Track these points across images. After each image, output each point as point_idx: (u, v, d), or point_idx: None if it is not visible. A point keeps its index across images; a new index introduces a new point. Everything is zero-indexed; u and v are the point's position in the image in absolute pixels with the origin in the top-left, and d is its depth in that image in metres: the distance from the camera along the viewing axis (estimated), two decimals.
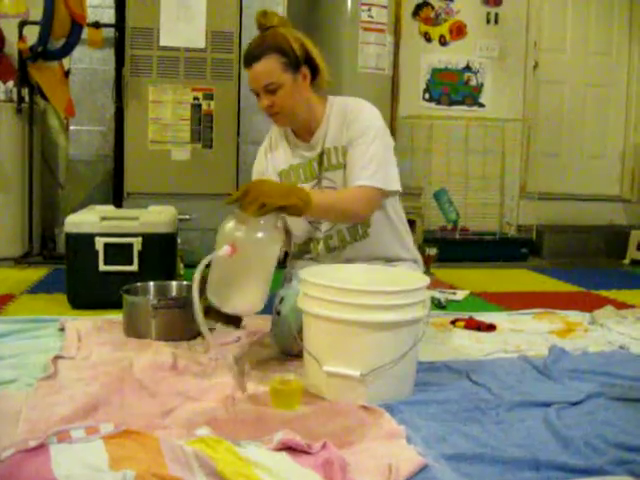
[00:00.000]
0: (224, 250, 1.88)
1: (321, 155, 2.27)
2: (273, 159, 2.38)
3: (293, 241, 2.42)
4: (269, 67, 2.13)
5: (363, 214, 2.19)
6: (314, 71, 2.21)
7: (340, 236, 2.30)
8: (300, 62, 2.16)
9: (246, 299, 1.96)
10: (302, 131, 2.29)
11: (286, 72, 2.14)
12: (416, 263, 2.42)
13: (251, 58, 2.14)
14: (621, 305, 3.21)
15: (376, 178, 2.15)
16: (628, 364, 2.27)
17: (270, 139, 2.41)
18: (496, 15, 5.38)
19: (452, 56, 5.35)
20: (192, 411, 1.72)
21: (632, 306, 3.22)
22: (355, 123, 2.21)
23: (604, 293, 3.64)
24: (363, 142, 2.18)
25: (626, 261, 5.02)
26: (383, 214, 2.29)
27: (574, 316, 2.96)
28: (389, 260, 2.33)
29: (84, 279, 2.88)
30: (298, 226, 2.34)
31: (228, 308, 1.96)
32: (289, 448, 1.47)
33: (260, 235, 1.92)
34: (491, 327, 2.68)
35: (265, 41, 2.14)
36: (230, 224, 1.93)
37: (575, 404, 1.88)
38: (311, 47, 2.19)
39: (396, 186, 2.21)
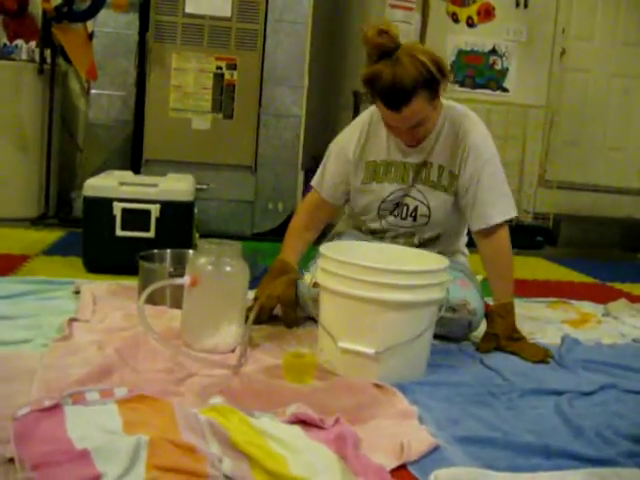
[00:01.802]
0: (184, 280, 1.93)
1: (421, 165, 2.25)
2: (367, 145, 2.30)
3: (356, 217, 2.44)
4: (419, 107, 2.01)
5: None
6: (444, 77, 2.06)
7: (408, 241, 2.34)
8: (439, 83, 2.02)
9: (217, 337, 1.97)
10: None
11: (431, 104, 2.05)
12: (463, 253, 2.51)
13: (399, 101, 1.98)
14: (635, 299, 3.19)
15: (508, 211, 2.21)
16: None
17: (371, 120, 2.29)
18: None
19: (479, 38, 5.28)
20: (206, 380, 1.72)
21: None
22: (474, 156, 2.18)
23: (618, 286, 3.62)
24: (487, 178, 2.18)
25: None
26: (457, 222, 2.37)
27: (588, 307, 2.94)
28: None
29: (100, 243, 2.89)
30: (365, 211, 2.37)
31: (198, 346, 1.95)
32: (302, 422, 1.47)
33: (227, 269, 1.97)
34: None
35: (408, 75, 1.94)
36: (201, 259, 1.97)
37: (587, 394, 1.87)
38: (438, 57, 2.02)
39: (515, 211, 2.25)
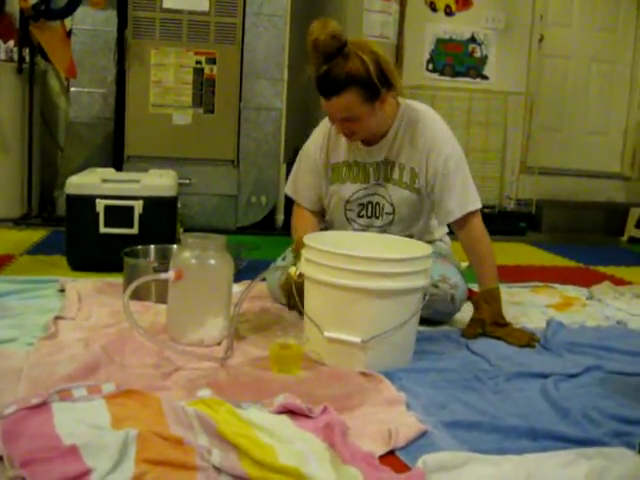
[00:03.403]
0: (168, 274, 1.94)
1: (382, 164, 2.27)
2: (330, 148, 2.33)
3: (329, 226, 2.47)
4: (348, 102, 2.02)
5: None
6: (389, 86, 2.08)
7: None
8: (380, 89, 2.03)
9: (202, 330, 1.97)
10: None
11: (365, 103, 2.04)
12: (442, 241, 2.51)
13: (329, 90, 2.01)
14: (618, 281, 3.22)
15: (476, 200, 2.23)
16: (625, 339, 2.28)
17: (331, 127, 2.28)
18: None
19: (457, 27, 5.29)
20: (193, 373, 1.73)
21: (629, 283, 3.23)
22: (434, 152, 2.20)
23: (602, 269, 3.65)
24: (450, 172, 2.20)
25: (624, 238, 5.03)
26: (426, 217, 2.38)
27: (572, 291, 2.97)
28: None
29: (84, 241, 2.88)
30: (333, 215, 2.40)
31: (184, 340, 1.96)
32: (290, 411, 1.48)
33: (211, 262, 1.97)
34: None
35: (344, 71, 1.97)
36: (185, 253, 1.97)
37: (573, 376, 1.89)
38: (386, 64, 2.04)
39: (479, 203, 2.26)
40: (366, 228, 2.35)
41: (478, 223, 2.24)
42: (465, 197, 2.22)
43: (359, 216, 2.35)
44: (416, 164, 2.24)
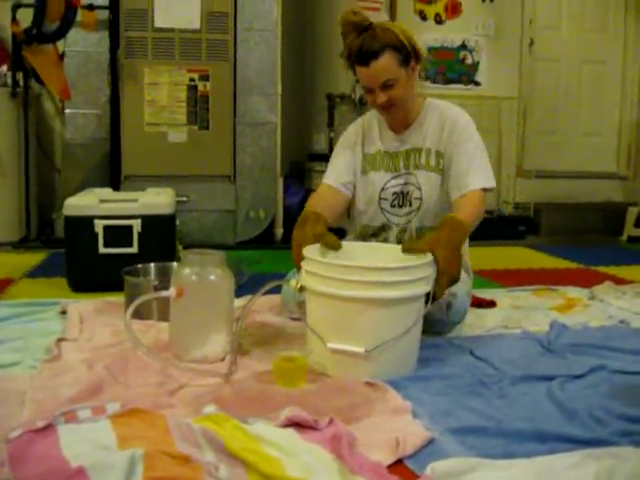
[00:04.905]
0: (169, 292, 1.94)
1: (411, 152, 2.35)
2: (365, 139, 2.43)
3: (358, 222, 2.47)
4: (387, 64, 2.18)
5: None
6: (417, 55, 2.26)
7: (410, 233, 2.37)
8: (411, 56, 2.22)
9: (206, 347, 1.97)
10: (396, 123, 2.36)
11: (401, 67, 2.20)
12: (467, 271, 2.44)
13: (369, 55, 2.17)
14: (620, 281, 3.22)
15: (492, 179, 2.27)
16: (629, 338, 2.29)
17: (364, 121, 2.47)
18: None
19: (448, 34, 5.31)
20: (198, 390, 1.72)
21: (631, 282, 3.23)
22: (455, 133, 2.28)
23: (602, 269, 3.65)
24: (466, 151, 2.26)
25: (623, 238, 5.03)
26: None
27: (574, 292, 2.97)
28: None
29: (84, 262, 2.88)
30: (367, 206, 2.41)
31: (187, 357, 1.95)
32: (296, 424, 1.47)
33: (211, 278, 1.98)
34: (491, 303, 2.68)
35: (378, 38, 2.17)
36: (185, 270, 1.97)
37: (578, 377, 1.89)
38: (410, 35, 2.23)
39: (493, 182, 2.29)
40: (398, 218, 2.37)
41: (478, 195, 2.21)
42: (484, 174, 2.25)
43: (392, 206, 2.39)
44: (441, 146, 2.31)
